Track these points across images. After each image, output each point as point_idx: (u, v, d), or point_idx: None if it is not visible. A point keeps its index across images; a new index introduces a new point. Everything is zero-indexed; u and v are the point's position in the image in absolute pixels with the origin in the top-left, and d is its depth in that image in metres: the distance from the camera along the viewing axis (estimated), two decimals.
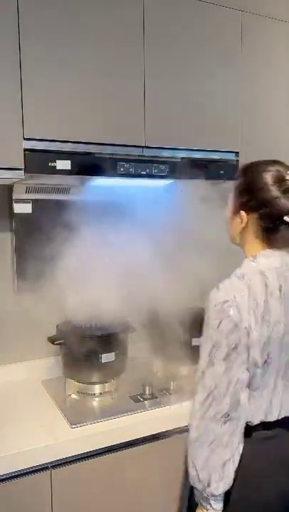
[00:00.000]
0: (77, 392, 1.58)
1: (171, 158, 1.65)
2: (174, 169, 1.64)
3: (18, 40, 1.35)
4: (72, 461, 1.33)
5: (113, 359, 1.54)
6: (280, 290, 1.10)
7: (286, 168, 1.16)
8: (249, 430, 1.11)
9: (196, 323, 1.72)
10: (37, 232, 1.73)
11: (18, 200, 1.68)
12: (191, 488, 1.16)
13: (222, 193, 1.38)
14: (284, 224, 1.11)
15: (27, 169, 1.40)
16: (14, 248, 1.70)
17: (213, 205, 1.48)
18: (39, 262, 1.75)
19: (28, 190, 1.67)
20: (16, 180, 1.50)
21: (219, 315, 1.07)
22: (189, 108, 1.66)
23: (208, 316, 1.10)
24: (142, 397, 1.55)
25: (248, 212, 1.16)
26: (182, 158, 1.67)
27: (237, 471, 1.09)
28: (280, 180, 1.12)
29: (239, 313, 1.06)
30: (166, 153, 1.64)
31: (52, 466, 1.30)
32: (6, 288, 1.74)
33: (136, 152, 1.58)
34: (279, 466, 1.15)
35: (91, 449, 1.34)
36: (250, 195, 1.15)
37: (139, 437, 1.41)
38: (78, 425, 1.37)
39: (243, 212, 1.17)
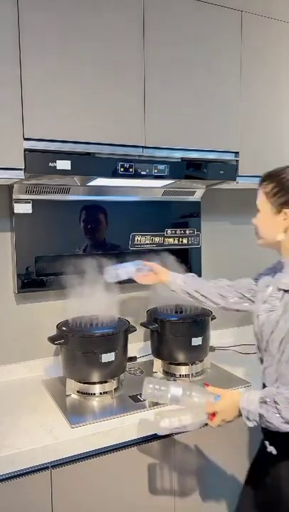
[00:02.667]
0: (77, 392, 1.58)
1: (171, 158, 1.65)
2: (174, 169, 1.64)
3: (19, 41, 1.35)
4: (72, 461, 1.33)
5: (113, 359, 1.54)
6: None
7: None
8: None
9: (196, 324, 1.73)
10: (37, 232, 1.74)
11: (18, 200, 1.68)
12: None
13: None
14: None
15: (27, 169, 1.40)
16: (14, 248, 1.70)
17: None
18: (39, 261, 1.75)
19: (28, 190, 1.67)
20: (16, 180, 1.50)
21: None
22: (189, 108, 1.66)
23: None
24: (142, 397, 1.55)
25: None
26: (182, 158, 1.67)
27: None
28: None
29: None
30: (166, 153, 1.64)
31: (52, 466, 1.30)
32: (6, 288, 1.74)
33: (136, 152, 1.58)
34: None
35: (91, 449, 1.34)
36: None
37: (139, 437, 1.41)
38: (78, 425, 1.37)
39: (288, 210, 1.23)
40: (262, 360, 1.29)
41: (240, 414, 1.17)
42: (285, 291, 1.24)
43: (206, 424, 1.22)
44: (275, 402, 1.11)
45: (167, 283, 1.59)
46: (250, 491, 1.36)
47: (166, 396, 1.22)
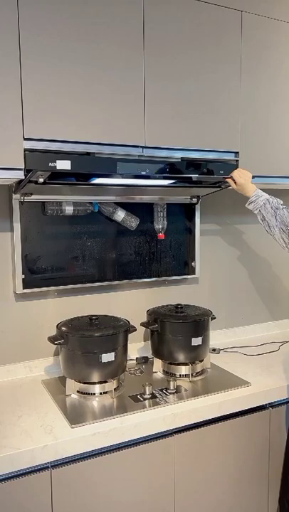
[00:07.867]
0: (77, 392, 1.58)
1: (171, 158, 1.65)
2: (174, 169, 1.64)
3: (18, 40, 1.36)
4: (72, 461, 1.33)
5: (113, 359, 1.54)
6: None
7: None
8: None
9: (196, 324, 1.74)
10: (37, 232, 1.74)
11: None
12: None
13: None
14: None
15: (27, 169, 1.40)
16: (14, 248, 1.70)
17: None
18: (39, 262, 1.75)
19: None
20: (16, 180, 1.50)
21: None
22: (189, 108, 1.66)
23: None
24: (142, 397, 1.55)
25: None
26: (182, 158, 1.67)
27: None
28: None
29: None
30: (166, 153, 1.64)
31: (52, 466, 1.30)
32: (6, 288, 1.74)
33: (136, 152, 1.58)
34: None
35: (91, 449, 1.34)
36: None
37: (138, 437, 1.41)
38: (78, 425, 1.37)
39: None
40: None
41: None
42: None
43: None
44: None
45: (248, 197, 1.72)
46: None
47: None
